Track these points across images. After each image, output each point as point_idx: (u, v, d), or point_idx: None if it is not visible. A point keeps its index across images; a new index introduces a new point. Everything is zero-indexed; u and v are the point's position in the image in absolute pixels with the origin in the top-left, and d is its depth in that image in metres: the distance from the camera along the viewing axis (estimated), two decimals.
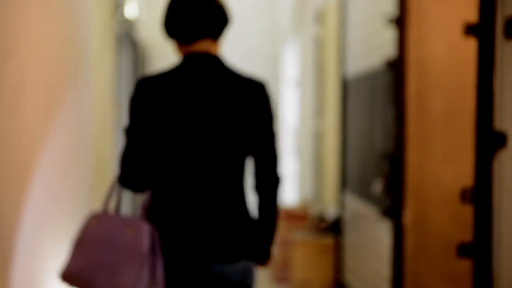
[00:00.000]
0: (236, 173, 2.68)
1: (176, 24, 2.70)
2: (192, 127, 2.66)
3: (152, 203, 2.68)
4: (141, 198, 2.70)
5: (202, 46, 2.70)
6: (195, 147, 2.65)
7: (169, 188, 2.67)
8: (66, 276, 2.73)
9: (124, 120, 9.26)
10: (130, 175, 2.68)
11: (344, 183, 5.33)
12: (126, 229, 2.63)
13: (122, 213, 2.76)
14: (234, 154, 2.67)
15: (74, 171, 5.87)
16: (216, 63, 2.69)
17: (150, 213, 2.67)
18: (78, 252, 2.71)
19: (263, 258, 2.75)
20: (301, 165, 10.07)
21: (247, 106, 2.67)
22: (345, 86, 5.29)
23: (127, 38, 9.56)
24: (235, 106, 2.66)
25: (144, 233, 2.58)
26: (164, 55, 12.60)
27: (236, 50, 12.76)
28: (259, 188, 2.72)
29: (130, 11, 9.03)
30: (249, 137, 2.68)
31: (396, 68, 3.80)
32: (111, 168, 8.24)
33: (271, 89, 12.65)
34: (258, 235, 2.70)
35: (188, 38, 2.70)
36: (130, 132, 2.72)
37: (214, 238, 2.63)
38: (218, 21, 2.72)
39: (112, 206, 2.76)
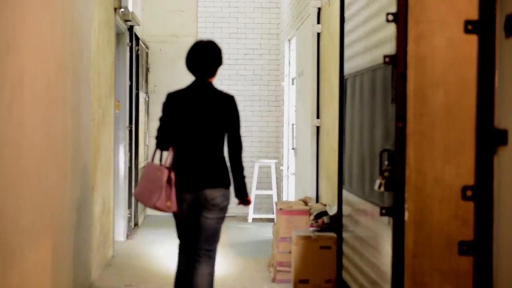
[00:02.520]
0: (218, 145, 5.20)
1: (191, 70, 5.28)
2: (193, 119, 5.18)
3: (174, 160, 5.17)
4: (167, 155, 5.19)
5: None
6: (195, 130, 5.18)
7: (182, 152, 5.18)
8: (136, 195, 5.24)
9: (125, 117, 9.38)
10: (161, 142, 5.23)
11: (344, 180, 5.32)
12: (157, 171, 5.10)
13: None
14: (217, 134, 5.18)
15: (74, 169, 5.85)
16: (208, 86, 5.26)
17: (173, 164, 5.17)
18: (140, 182, 5.20)
19: (243, 196, 5.29)
20: (301, 162, 10.06)
21: (224, 108, 5.18)
22: (345, 83, 5.29)
23: (128, 35, 9.54)
24: (217, 109, 5.18)
25: (164, 174, 5.04)
26: (164, 51, 12.58)
27: (238, 47, 12.76)
28: (230, 152, 5.21)
29: (131, 7, 9.01)
30: (224, 125, 5.19)
31: (396, 65, 3.79)
32: (111, 166, 8.22)
33: (273, 86, 12.67)
34: (234, 178, 5.22)
35: (198, 77, 5.27)
36: (162, 120, 5.25)
37: (205, 176, 5.17)
38: (217, 67, 5.27)
39: (155, 160, 5.34)
